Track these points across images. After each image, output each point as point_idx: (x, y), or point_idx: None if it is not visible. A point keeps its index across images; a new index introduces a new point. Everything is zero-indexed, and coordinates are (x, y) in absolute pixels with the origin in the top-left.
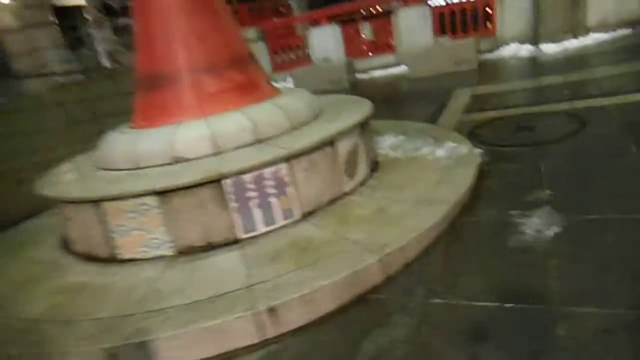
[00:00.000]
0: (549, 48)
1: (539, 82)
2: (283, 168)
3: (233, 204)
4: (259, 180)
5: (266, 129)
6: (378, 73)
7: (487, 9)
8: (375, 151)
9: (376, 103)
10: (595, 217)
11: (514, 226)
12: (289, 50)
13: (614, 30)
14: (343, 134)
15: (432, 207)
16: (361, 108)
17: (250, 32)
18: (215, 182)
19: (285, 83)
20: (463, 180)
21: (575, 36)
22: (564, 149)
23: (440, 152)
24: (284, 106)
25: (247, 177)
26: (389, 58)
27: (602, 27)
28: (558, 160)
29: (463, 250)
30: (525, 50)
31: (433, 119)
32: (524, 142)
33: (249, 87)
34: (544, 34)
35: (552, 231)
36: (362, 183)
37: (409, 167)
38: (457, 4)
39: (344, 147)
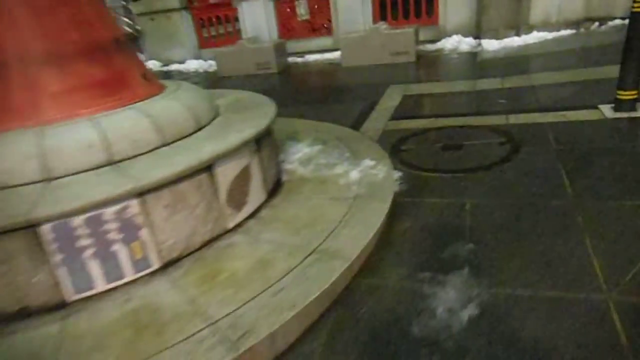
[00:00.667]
0: (490, 44)
1: (476, 85)
2: (133, 206)
3: (56, 257)
4: (96, 223)
5: (122, 146)
6: (313, 57)
7: None
8: (280, 167)
9: (302, 95)
10: (523, 293)
11: (422, 300)
12: (218, 24)
13: (557, 30)
14: (227, 155)
15: (326, 264)
16: (260, 116)
17: None
18: (28, 227)
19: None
20: (372, 222)
21: (517, 33)
22: (492, 180)
23: (355, 175)
24: (154, 114)
25: (78, 221)
26: (326, 41)
27: (546, 25)
28: (485, 196)
29: (352, 339)
30: (466, 44)
31: (359, 122)
32: (450, 166)
33: (109, 85)
34: (486, 28)
35: (467, 312)
36: (255, 214)
37: (315, 193)
38: None
39: (228, 172)
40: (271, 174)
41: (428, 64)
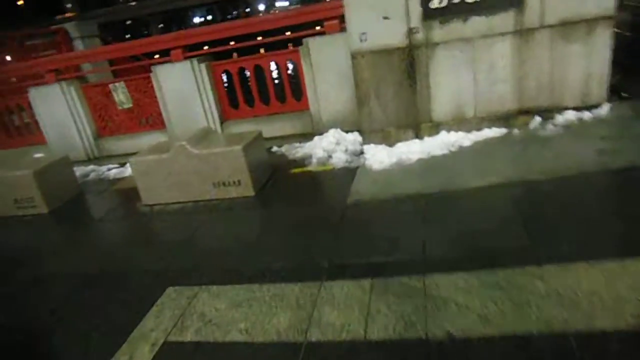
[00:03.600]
0: (377, 156)
1: (308, 329)
2: None
3: None
4: None
5: None
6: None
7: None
8: None
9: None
10: None
11: None
12: (10, 116)
13: (478, 128)
14: None
15: None
16: None
17: None
18: None
19: None
20: None
21: (417, 134)
22: None
23: None
24: None
25: None
26: (160, 137)
27: (460, 123)
28: None
29: None
30: (344, 150)
31: None
32: None
33: None
34: (369, 128)
35: None
36: None
37: None
38: (248, 58)
39: None
40: None
41: (270, 204)
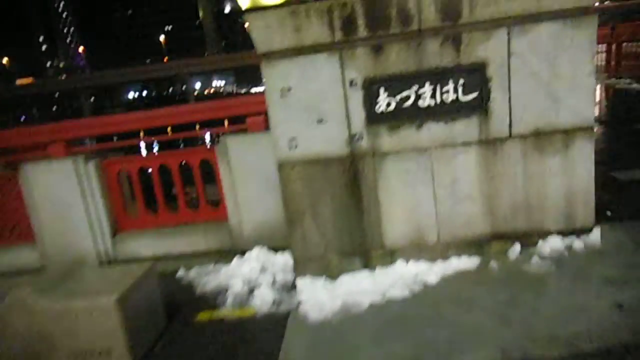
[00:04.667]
0: (315, 295)
1: None
2: None
3: None
4: None
5: None
6: None
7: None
8: None
9: None
10: None
11: None
12: None
13: (444, 257)
14: None
15: None
16: None
17: None
18: None
19: None
20: None
21: (366, 263)
22: None
23: None
24: None
25: None
26: (27, 254)
27: (420, 250)
28: None
29: None
30: (267, 290)
31: None
32: None
33: None
34: (305, 256)
35: None
36: None
37: None
38: (152, 156)
39: None
40: None
41: None
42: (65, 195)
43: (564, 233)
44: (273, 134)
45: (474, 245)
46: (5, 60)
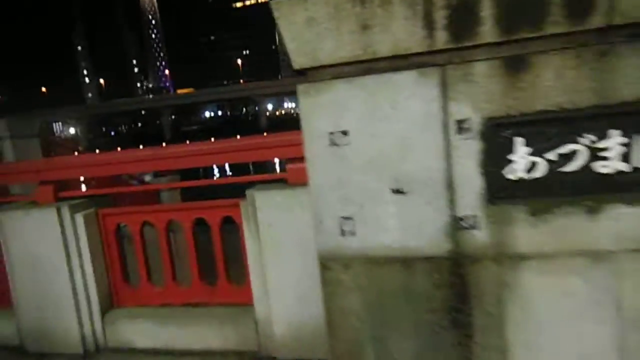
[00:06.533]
0: None
1: None
2: None
3: None
4: None
5: None
6: None
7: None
8: None
9: None
10: None
11: None
12: None
13: None
14: None
15: None
16: None
17: None
18: None
19: None
20: None
21: None
22: None
23: None
24: None
25: None
26: (2, 324)
27: None
28: None
29: None
30: None
31: None
32: None
33: None
34: None
35: None
36: None
37: None
38: (159, 209)
39: None
40: None
41: None
42: (45, 255)
43: None
44: (314, 208)
45: None
46: (102, 81)
